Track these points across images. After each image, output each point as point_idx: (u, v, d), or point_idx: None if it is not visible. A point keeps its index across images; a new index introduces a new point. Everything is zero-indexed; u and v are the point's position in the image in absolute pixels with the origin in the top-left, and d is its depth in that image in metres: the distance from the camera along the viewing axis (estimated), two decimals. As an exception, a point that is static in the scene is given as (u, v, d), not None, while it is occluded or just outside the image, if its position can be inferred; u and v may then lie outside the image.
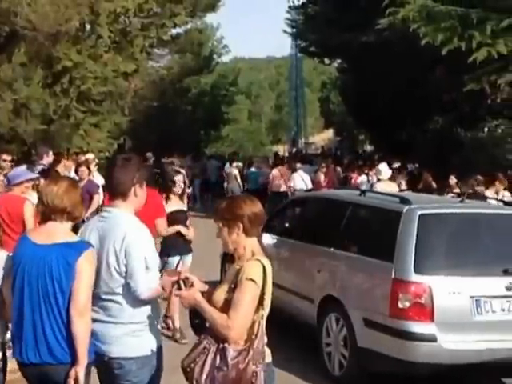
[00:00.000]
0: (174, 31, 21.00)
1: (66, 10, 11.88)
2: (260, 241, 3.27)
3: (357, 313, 5.59)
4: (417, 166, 17.49)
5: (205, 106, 34.52)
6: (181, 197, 7.04)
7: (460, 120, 17.09)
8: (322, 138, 59.79)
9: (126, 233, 3.22)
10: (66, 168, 10.53)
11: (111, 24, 15.10)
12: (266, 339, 3.10)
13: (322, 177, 15.45)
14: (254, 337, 3.01)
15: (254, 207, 3.18)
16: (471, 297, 5.24)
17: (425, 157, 17.27)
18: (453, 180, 13.37)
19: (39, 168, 8.94)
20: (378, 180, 10.95)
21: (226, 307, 3.01)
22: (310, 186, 15.06)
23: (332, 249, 6.18)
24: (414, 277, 5.18)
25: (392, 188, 10.30)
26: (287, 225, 7.61)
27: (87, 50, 14.22)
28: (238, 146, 48.57)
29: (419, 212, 5.47)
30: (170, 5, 17.82)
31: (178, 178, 6.91)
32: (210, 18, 51.03)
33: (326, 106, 49.68)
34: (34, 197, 5.97)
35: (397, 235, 5.41)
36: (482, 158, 13.73)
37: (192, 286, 3.14)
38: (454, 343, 5.15)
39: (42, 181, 7.10)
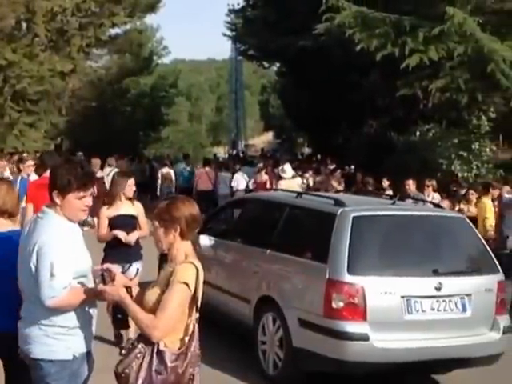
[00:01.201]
0: (112, 31, 20.84)
1: (0, 7, 11.60)
2: (194, 243, 3.24)
3: (292, 313, 5.61)
4: (352, 168, 17.87)
5: (144, 108, 34.21)
6: (131, 200, 6.49)
7: (393, 124, 17.56)
8: (262, 140, 60.21)
9: (40, 236, 3.15)
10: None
11: (48, 23, 14.90)
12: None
13: (265, 177, 15.68)
14: (190, 340, 3.02)
15: (193, 209, 3.15)
16: (402, 297, 5.32)
17: (359, 159, 17.68)
18: (385, 183, 13.78)
19: None
20: (281, 178, 11.53)
21: (156, 309, 2.97)
22: (251, 186, 15.29)
23: (268, 250, 6.18)
24: (348, 277, 5.25)
25: (293, 186, 11.00)
26: (225, 226, 7.65)
27: (23, 48, 13.96)
28: (177, 147, 48.36)
29: (353, 214, 5.54)
30: (109, 5, 17.68)
31: (131, 181, 6.39)
32: (150, 19, 50.66)
33: (265, 109, 50.12)
34: None
35: (331, 237, 5.47)
36: (414, 161, 14.14)
37: (114, 279, 3.06)
38: (385, 342, 5.23)
39: None
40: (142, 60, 31.39)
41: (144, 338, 2.98)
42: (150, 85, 35.70)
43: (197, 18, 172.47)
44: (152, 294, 3.04)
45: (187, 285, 2.98)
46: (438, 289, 5.41)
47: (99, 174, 15.24)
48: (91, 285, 3.15)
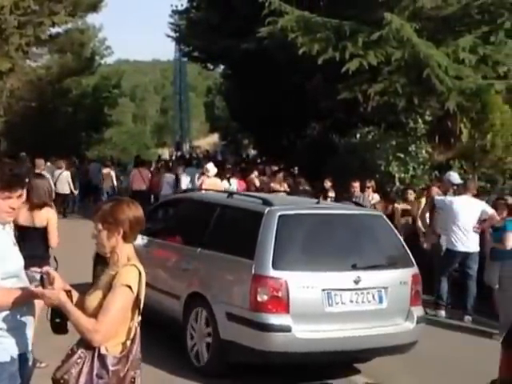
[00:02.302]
0: (53, 30, 20.44)
1: None
2: (134, 245, 3.21)
3: (220, 308, 5.84)
4: (296, 169, 18.08)
5: (86, 108, 33.69)
6: (41, 206, 6.04)
7: (335, 126, 17.87)
8: (208, 141, 60.14)
9: None
10: None
11: (-16, 20, 14.48)
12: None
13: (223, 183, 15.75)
14: (132, 343, 3.00)
15: (137, 212, 3.13)
16: (323, 290, 5.64)
17: (303, 161, 17.91)
18: (328, 183, 14.01)
19: None
20: (202, 175, 12.58)
21: (98, 313, 2.93)
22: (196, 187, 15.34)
23: (199, 248, 6.41)
24: (272, 272, 5.54)
25: (217, 184, 11.84)
26: (158, 225, 7.72)
27: (-42, 46, 13.51)
28: (121, 148, 47.81)
29: (279, 213, 5.85)
30: (49, 3, 17.36)
31: (44, 184, 6.04)
32: (93, 19, 49.91)
33: (211, 111, 50.07)
34: None
35: (258, 234, 5.75)
36: (355, 162, 14.44)
37: (52, 282, 2.98)
38: (307, 333, 5.53)
39: None
40: (84, 60, 30.89)
41: (84, 343, 2.94)
42: (92, 85, 35.22)
43: (141, 19, 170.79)
44: (93, 299, 3.00)
45: (130, 288, 2.95)
46: (357, 282, 5.74)
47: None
48: (23, 285, 3.08)
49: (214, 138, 56.83)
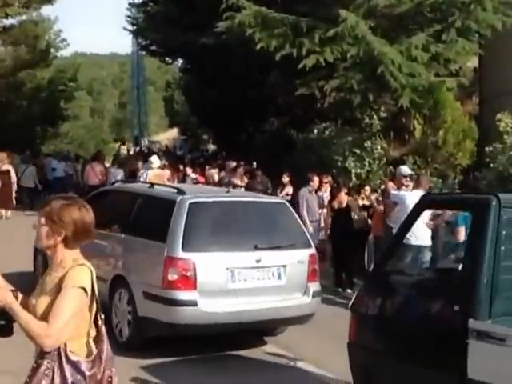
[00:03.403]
0: (6, 22, 20.02)
1: None
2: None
3: (138, 287, 6.55)
4: (255, 164, 18.15)
5: (42, 102, 33.01)
6: None
7: (293, 122, 18.00)
8: (167, 136, 59.63)
9: None
10: None
11: None
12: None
13: (168, 173, 15.70)
14: (100, 343, 2.92)
15: (87, 218, 2.92)
16: (227, 268, 6.39)
17: (262, 156, 17.99)
18: (286, 179, 14.11)
19: None
20: (151, 168, 13.11)
21: (46, 318, 2.78)
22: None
23: (123, 235, 7.14)
24: (181, 254, 6.26)
25: (161, 176, 12.47)
26: None
27: None
28: (78, 143, 47.10)
29: (189, 201, 6.58)
30: (2, -6, 16.97)
31: None
32: (47, 10, 49.02)
33: (170, 105, 49.65)
34: None
35: (171, 220, 6.45)
36: (312, 158, 14.58)
37: None
38: (212, 307, 6.27)
39: None
40: (39, 52, 30.24)
41: (48, 353, 2.79)
42: (47, 78, 34.48)
43: (99, 12, 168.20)
44: (41, 303, 2.84)
45: (83, 289, 2.82)
46: (258, 261, 6.52)
47: (4, 168, 16.46)
48: None
49: (174, 132, 56.41)
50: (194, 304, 6.20)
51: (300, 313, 6.81)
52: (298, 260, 6.82)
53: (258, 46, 13.88)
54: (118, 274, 6.89)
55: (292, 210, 7.39)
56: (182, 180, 16.85)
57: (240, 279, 6.46)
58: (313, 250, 7.08)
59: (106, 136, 56.49)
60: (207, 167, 17.81)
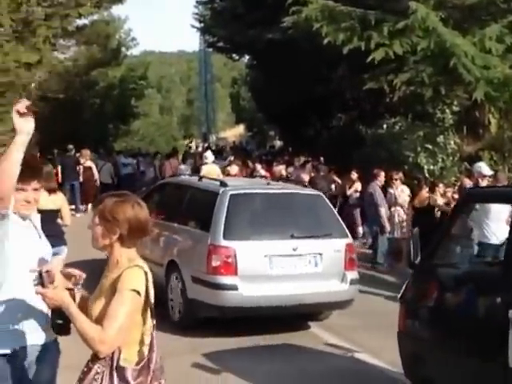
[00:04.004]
0: (79, 22, 20.58)
1: (-39, -4, 11.36)
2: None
3: (187, 272, 7.13)
4: (322, 160, 18.01)
5: (113, 100, 33.85)
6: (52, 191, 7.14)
7: (361, 117, 17.72)
8: (234, 133, 60.15)
9: None
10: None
11: (12, 13, 14.66)
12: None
13: (236, 169, 15.83)
14: (150, 351, 2.75)
15: (141, 215, 2.79)
16: (265, 256, 6.87)
17: (329, 152, 17.81)
18: (354, 175, 13.92)
19: None
20: (205, 164, 13.88)
21: (102, 320, 2.68)
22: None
23: (176, 224, 7.80)
24: (223, 242, 6.81)
25: (214, 169, 13.19)
26: (152, 205, 8.62)
27: (-14, 39, 13.67)
28: (149, 140, 48.02)
29: (230, 192, 7.14)
30: (75, -5, 17.47)
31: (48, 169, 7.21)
32: (118, 10, 50.19)
33: (236, 102, 50.00)
34: None
35: (214, 210, 7.02)
36: (381, 153, 14.30)
37: (53, 281, 2.74)
38: (251, 291, 6.76)
39: None
40: (110, 51, 31.03)
41: (105, 358, 2.69)
42: (118, 77, 35.34)
43: (167, 10, 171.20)
44: (97, 305, 2.75)
45: (137, 292, 2.69)
46: (295, 249, 6.96)
47: (87, 164, 17.52)
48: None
49: (240, 129, 56.80)
50: (234, 288, 6.73)
51: (337, 299, 7.22)
52: (334, 249, 7.21)
53: (326, 41, 13.72)
54: (172, 260, 7.51)
55: (328, 201, 7.84)
56: (251, 176, 16.90)
57: (277, 266, 6.91)
58: (350, 240, 7.47)
59: (176, 133, 57.36)
60: (274, 163, 17.79)
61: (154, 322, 2.80)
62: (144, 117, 44.77)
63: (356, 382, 5.94)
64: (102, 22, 26.67)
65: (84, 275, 2.96)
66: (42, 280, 2.72)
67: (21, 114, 2.81)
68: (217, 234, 6.85)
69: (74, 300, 2.77)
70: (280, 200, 7.45)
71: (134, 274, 2.72)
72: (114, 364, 2.68)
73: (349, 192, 13.97)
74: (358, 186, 13.74)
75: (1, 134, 15.95)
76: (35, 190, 3.18)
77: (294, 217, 7.31)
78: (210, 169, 13.18)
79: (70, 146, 18.46)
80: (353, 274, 7.30)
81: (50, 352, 3.20)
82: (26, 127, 2.81)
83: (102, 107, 32.71)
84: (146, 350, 2.75)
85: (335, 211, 7.78)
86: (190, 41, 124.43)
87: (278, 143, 36.43)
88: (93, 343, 2.62)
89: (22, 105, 2.82)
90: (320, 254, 7.07)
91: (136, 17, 66.53)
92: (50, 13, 16.72)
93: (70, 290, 2.76)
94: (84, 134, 26.81)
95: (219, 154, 23.50)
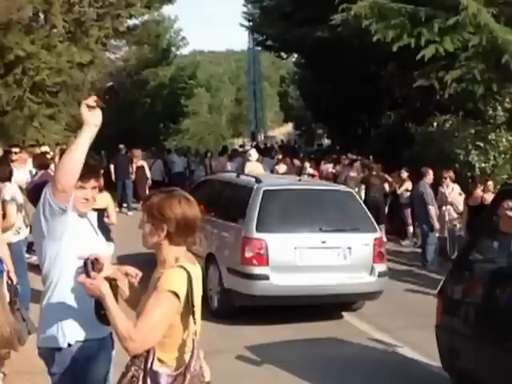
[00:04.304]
0: (130, 22, 20.88)
1: (18, -2, 11.71)
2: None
3: (223, 263, 7.55)
4: (371, 159, 17.85)
5: (164, 99, 34.26)
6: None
7: (411, 115, 17.48)
8: (282, 131, 60.16)
9: None
10: (22, 161, 10.41)
11: (65, 14, 15.00)
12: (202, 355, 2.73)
13: (284, 168, 15.88)
14: (190, 358, 2.62)
15: (189, 211, 2.69)
16: (295, 247, 7.26)
17: (378, 150, 17.63)
18: (404, 174, 13.76)
19: None
20: (249, 161, 14.10)
21: None
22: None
23: (215, 218, 8.17)
24: (255, 234, 7.21)
25: (258, 168, 13.49)
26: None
27: (41, 39, 14.04)
28: (198, 139, 48.45)
29: (263, 188, 7.58)
30: (126, -5, 17.76)
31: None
32: (168, 10, 50.78)
33: (284, 100, 49.95)
34: None
35: (248, 205, 7.43)
36: (432, 152, 14.10)
37: (101, 269, 2.70)
38: (282, 281, 7.15)
39: None
40: (161, 51, 31.43)
41: (140, 360, 2.61)
42: (169, 76, 35.73)
43: (214, 9, 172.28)
44: (142, 302, 2.69)
45: (175, 294, 2.57)
46: (323, 242, 7.33)
47: (140, 163, 17.97)
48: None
49: (288, 127, 56.74)
50: (266, 278, 7.13)
51: (366, 290, 7.59)
52: (363, 243, 7.52)
53: (375, 38, 13.58)
54: (210, 252, 7.93)
55: (358, 197, 8.25)
56: (299, 174, 16.90)
57: (306, 257, 7.28)
58: (378, 234, 7.81)
59: (224, 131, 57.72)
60: (322, 162, 17.73)
61: (197, 328, 2.66)
62: (194, 116, 45.15)
63: (396, 372, 6.01)
64: (152, 22, 27.01)
65: (140, 274, 2.95)
66: (87, 268, 2.68)
67: (89, 108, 2.92)
68: (250, 227, 7.25)
69: (117, 292, 2.71)
70: (310, 196, 7.84)
71: (174, 275, 2.60)
72: (148, 367, 2.59)
73: (399, 191, 13.84)
74: (408, 185, 13.59)
75: (54, 133, 16.36)
76: (93, 188, 3.26)
77: (324, 212, 7.71)
78: (254, 166, 13.55)
79: (121, 146, 18.85)
80: (381, 267, 7.61)
81: (106, 346, 3.26)
82: (93, 120, 2.95)
83: (152, 106, 33.12)
84: (187, 356, 2.64)
85: (365, 207, 8.06)
86: (239, 40, 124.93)
87: (326, 141, 36.25)
88: (123, 339, 2.54)
89: (91, 99, 2.94)
90: (349, 248, 7.41)
91: (185, 16, 67.11)
92: (101, 13, 17.04)
93: (111, 281, 2.69)
94: (135, 133, 27.24)
95: (267, 152, 23.51)
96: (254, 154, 14.83)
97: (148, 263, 3.46)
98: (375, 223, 7.87)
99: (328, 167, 17.09)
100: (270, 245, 7.15)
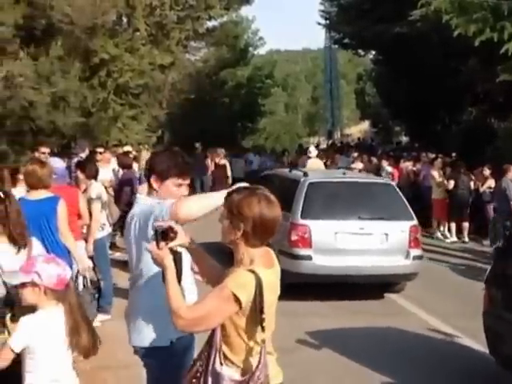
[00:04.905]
0: (209, 24, 21.20)
1: (102, 3, 12.10)
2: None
3: (276, 246, 7.99)
4: (454, 156, 17.44)
5: (241, 99, 34.64)
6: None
7: (493, 110, 16.98)
8: (359, 129, 59.52)
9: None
10: (106, 160, 10.82)
11: (147, 17, 15.36)
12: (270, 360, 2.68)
13: (360, 166, 15.81)
14: (254, 367, 2.56)
15: (268, 212, 2.64)
16: (335, 233, 8.26)
17: (459, 147, 17.22)
18: (487, 171, 13.41)
19: (75, 160, 9.38)
20: (309, 158, 14.83)
21: None
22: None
23: None
24: (300, 221, 8.22)
25: (318, 164, 14.32)
26: None
27: (124, 43, 14.42)
28: (274, 138, 48.63)
29: (309, 181, 8.63)
30: (205, -3, 18.03)
31: None
32: (245, 11, 51.19)
33: (361, 98, 49.45)
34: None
35: (295, 195, 8.42)
36: (515, 148, 13.68)
37: (173, 239, 2.68)
38: (323, 261, 8.11)
39: (78, 172, 7.48)
40: (239, 51, 31.81)
41: (205, 356, 2.63)
42: (246, 76, 36.11)
43: (291, 8, 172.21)
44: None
45: (235, 297, 2.51)
46: (361, 228, 8.28)
47: (222, 162, 18.80)
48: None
49: (365, 125, 56.07)
50: (309, 258, 8.11)
51: (401, 272, 8.46)
52: (400, 230, 8.39)
53: (455, 33, 13.27)
54: None
55: (397, 189, 8.99)
56: (376, 173, 16.75)
57: (346, 242, 8.25)
58: (414, 222, 8.54)
59: (300, 130, 57.60)
60: (402, 160, 17.47)
61: (266, 337, 2.60)
62: (270, 115, 45.38)
63: (444, 355, 6.22)
64: (230, 23, 27.36)
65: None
66: (156, 237, 2.66)
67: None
68: (296, 214, 8.24)
69: (180, 266, 2.68)
70: (351, 187, 8.78)
71: (241, 278, 2.56)
72: (210, 365, 2.58)
73: (482, 189, 13.51)
74: (491, 182, 13.24)
75: (136, 133, 16.84)
76: (188, 185, 3.36)
77: (363, 201, 8.57)
78: (314, 162, 14.41)
79: (197, 145, 19.38)
80: (416, 252, 8.48)
81: (194, 341, 3.36)
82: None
83: (230, 106, 33.57)
84: (253, 361, 2.59)
85: (403, 198, 8.79)
86: (315, 38, 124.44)
87: (404, 139, 35.62)
88: (172, 313, 2.57)
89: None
90: (385, 234, 8.33)
91: (263, 16, 67.55)
92: (182, 16, 17.37)
93: (175, 254, 2.67)
94: (214, 133, 27.71)
95: (343, 150, 23.37)
96: (313, 150, 15.67)
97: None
98: (412, 212, 8.58)
99: (408, 165, 16.83)
100: (313, 230, 8.16)
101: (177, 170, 3.23)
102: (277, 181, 9.69)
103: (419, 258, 8.54)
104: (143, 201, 3.30)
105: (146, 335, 3.21)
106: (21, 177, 6.48)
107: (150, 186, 3.28)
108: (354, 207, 8.44)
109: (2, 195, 3.71)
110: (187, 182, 3.31)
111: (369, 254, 8.24)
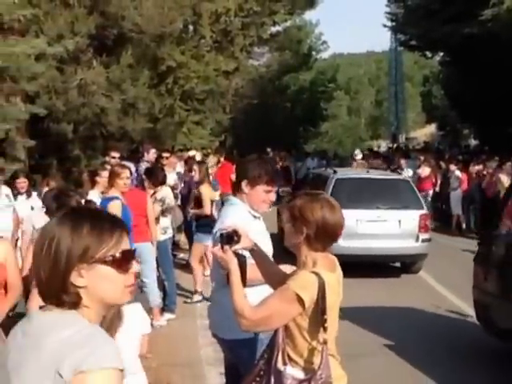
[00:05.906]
0: (273, 29, 21.19)
1: (170, 11, 12.29)
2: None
3: None
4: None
5: (303, 103, 34.59)
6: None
7: None
8: (424, 132, 58.25)
9: (226, 219, 3.57)
10: (171, 165, 10.96)
11: (213, 24, 15.48)
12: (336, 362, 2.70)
13: (428, 171, 15.44)
14: (316, 367, 2.58)
15: (331, 216, 2.66)
16: (357, 220, 9.75)
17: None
18: None
19: (143, 166, 9.55)
20: (355, 160, 16.82)
21: None
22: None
23: None
24: None
25: (361, 164, 15.55)
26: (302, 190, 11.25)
27: (190, 50, 14.62)
28: (337, 142, 48.28)
29: (336, 177, 10.44)
30: (269, 3, 18.02)
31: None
32: (309, 15, 51.09)
33: (427, 101, 48.43)
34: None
35: (325, 189, 9.68)
36: None
37: (237, 242, 2.70)
38: (347, 243, 8.78)
39: (146, 178, 7.67)
40: (302, 56, 31.72)
41: (268, 356, 2.66)
42: (309, 80, 36.06)
43: (354, 11, 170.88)
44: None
45: (299, 297, 2.54)
46: (379, 216, 9.95)
47: (285, 164, 19.80)
48: None
49: (431, 128, 54.83)
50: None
51: (412, 252, 10.00)
52: (411, 217, 9.97)
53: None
54: None
55: (412, 184, 10.81)
56: (444, 177, 16.25)
57: (365, 227, 9.83)
58: (424, 211, 10.22)
59: (363, 134, 56.95)
60: (471, 164, 16.91)
61: (329, 337, 2.61)
62: (332, 119, 45.09)
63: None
64: (294, 28, 27.32)
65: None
66: (222, 241, 2.71)
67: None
68: None
69: (245, 269, 2.70)
70: (372, 183, 10.38)
71: (305, 279, 2.58)
72: (272, 364, 2.61)
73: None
74: None
75: (200, 138, 16.99)
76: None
77: (381, 194, 10.11)
78: (359, 164, 15.75)
79: (269, 149, 19.77)
80: (424, 235, 10.05)
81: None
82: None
83: (292, 110, 33.55)
84: (316, 361, 2.61)
85: (417, 192, 10.49)
86: (380, 41, 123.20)
87: (473, 142, 34.62)
88: (237, 314, 2.62)
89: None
90: (399, 221, 9.98)
91: (326, 20, 67.26)
92: (246, 22, 17.42)
93: (240, 257, 2.70)
94: (276, 137, 27.71)
95: (408, 155, 22.86)
96: (358, 153, 17.13)
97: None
98: (423, 203, 10.45)
99: (477, 169, 16.27)
100: None
101: (267, 178, 3.47)
102: (316, 177, 11.73)
103: (427, 240, 10.13)
104: (239, 206, 3.49)
105: (236, 328, 3.29)
106: (98, 179, 6.71)
107: (238, 189, 3.51)
108: (373, 199, 10.00)
109: (84, 203, 3.83)
110: (275, 188, 3.58)
111: (384, 238, 9.83)
